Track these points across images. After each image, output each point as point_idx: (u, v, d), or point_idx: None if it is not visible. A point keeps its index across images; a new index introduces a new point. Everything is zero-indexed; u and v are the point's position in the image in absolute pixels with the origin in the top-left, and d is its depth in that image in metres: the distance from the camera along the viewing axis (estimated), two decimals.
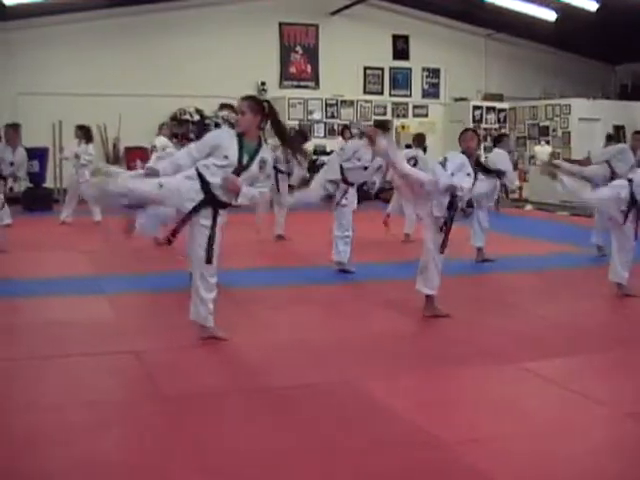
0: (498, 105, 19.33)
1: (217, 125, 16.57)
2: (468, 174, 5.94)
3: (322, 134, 17.89)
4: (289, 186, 10.81)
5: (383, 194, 12.42)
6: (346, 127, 15.21)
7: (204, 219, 5.03)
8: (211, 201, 5.01)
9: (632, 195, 6.66)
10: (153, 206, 5.18)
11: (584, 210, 11.26)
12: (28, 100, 15.60)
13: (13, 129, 9.32)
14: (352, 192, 8.20)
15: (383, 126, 8.53)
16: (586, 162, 9.92)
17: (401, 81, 19.56)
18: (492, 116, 19.01)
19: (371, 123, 17.89)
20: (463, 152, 6.06)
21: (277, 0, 17.76)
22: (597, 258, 9.00)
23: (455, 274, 7.23)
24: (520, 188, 16.18)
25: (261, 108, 5.08)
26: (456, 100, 19.40)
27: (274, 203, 10.61)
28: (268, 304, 6.68)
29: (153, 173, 5.03)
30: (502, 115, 19.31)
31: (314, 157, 15.57)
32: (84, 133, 12.20)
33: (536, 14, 17.11)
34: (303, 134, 11.22)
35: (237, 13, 17.36)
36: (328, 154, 12.77)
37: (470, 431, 3.82)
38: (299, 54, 18.47)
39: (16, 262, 8.62)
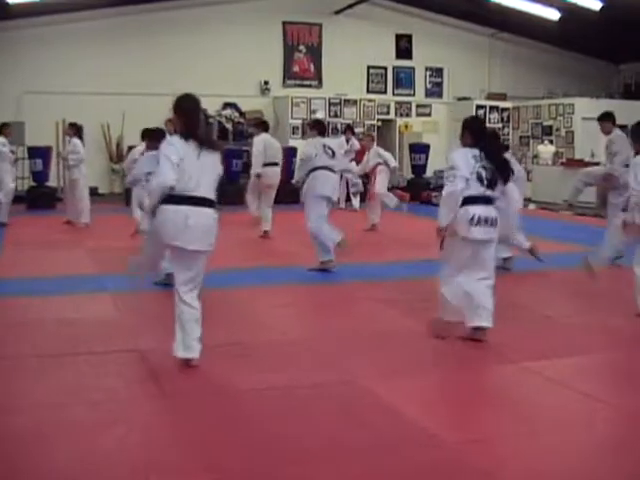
0: (501, 104, 19.31)
1: (220, 124, 16.63)
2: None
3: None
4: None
5: None
6: (349, 126, 15.21)
7: None
8: None
9: None
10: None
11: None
12: (33, 99, 15.61)
13: None
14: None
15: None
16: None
17: (404, 80, 19.54)
18: (495, 115, 18.99)
19: (372, 123, 18.03)
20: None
21: None
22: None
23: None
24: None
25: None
26: (459, 99, 19.37)
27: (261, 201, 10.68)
28: (267, 303, 6.67)
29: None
30: (505, 114, 19.29)
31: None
32: (75, 131, 12.08)
33: (540, 13, 17.09)
34: None
35: (240, 12, 17.36)
36: None
37: (472, 431, 3.82)
38: (302, 53, 18.46)
39: (19, 261, 8.62)
